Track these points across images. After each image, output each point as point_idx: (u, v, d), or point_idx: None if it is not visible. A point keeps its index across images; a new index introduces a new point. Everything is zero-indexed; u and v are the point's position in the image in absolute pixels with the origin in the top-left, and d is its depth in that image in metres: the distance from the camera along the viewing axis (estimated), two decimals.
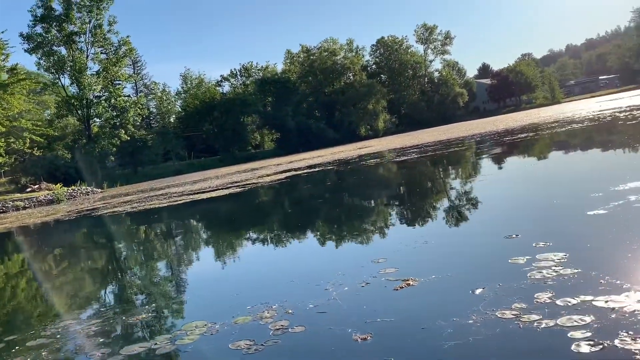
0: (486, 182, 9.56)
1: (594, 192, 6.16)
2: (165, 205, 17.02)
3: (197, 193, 19.90)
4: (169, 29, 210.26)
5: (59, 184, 46.05)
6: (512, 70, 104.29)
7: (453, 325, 2.97)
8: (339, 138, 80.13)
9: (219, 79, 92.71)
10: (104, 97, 63.16)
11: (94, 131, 62.81)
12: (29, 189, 45.17)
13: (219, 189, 19.76)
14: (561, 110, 47.48)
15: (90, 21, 61.67)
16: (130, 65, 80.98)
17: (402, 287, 3.84)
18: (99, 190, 46.94)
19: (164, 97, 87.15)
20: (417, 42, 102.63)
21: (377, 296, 3.79)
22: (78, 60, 60.34)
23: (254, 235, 8.50)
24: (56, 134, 57.37)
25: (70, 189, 44.31)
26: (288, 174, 22.61)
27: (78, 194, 43.44)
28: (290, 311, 3.73)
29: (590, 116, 25.55)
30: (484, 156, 15.76)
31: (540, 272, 3.64)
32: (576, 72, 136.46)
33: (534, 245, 4.34)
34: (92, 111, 62.29)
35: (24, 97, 42.51)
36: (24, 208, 36.28)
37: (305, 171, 22.65)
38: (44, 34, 59.45)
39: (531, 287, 3.37)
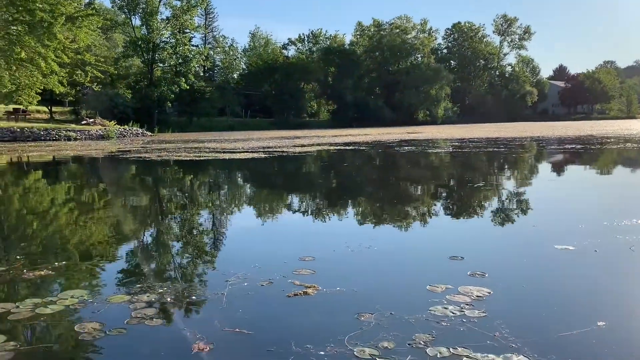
0: (482, 191, 8.91)
1: (581, 223, 5.53)
2: (187, 159, 17.06)
3: (226, 152, 19.87)
4: None
5: (112, 122, 47.40)
6: (589, 77, 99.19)
7: (298, 355, 2.58)
8: (396, 119, 78.82)
9: (286, 41, 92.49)
10: (170, 44, 64.09)
11: (156, 75, 64.01)
12: (84, 122, 46.75)
13: (247, 152, 19.64)
14: (629, 126, 44.77)
15: None
16: (202, 15, 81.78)
17: (297, 295, 3.46)
18: (149, 133, 48.01)
19: (231, 53, 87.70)
20: (494, 32, 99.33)
21: (264, 300, 3.43)
22: (150, 3, 61.29)
23: (211, 206, 8.21)
24: (117, 72, 58.75)
25: (122, 127, 45.54)
26: (320, 147, 22.26)
27: (128, 134, 44.61)
28: (169, 299, 3.44)
29: None
30: (508, 162, 14.88)
31: (446, 308, 3.18)
32: None
33: (468, 273, 3.85)
34: (156, 55, 63.42)
35: (91, 32, 43.49)
36: (75, 139, 37.59)
37: (337, 148, 22.22)
38: None
39: (421, 324, 2.93)
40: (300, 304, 3.32)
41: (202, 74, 76.73)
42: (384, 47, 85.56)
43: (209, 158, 17.26)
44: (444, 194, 9.10)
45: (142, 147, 25.50)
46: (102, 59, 49.51)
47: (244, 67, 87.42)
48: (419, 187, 10.28)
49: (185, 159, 17.17)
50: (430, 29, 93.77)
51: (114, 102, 56.58)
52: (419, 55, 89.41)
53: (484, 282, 3.66)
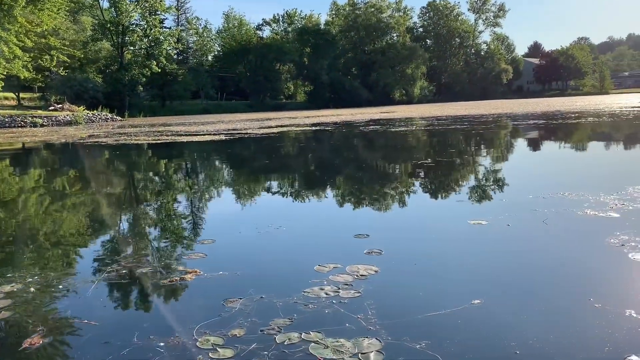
0: (419, 167, 8.75)
1: (506, 197, 5.40)
2: (142, 142, 16.67)
3: (188, 135, 19.47)
4: None
5: (82, 107, 46.40)
6: (563, 53, 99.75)
7: (136, 347, 2.37)
8: (372, 99, 78.53)
9: (261, 22, 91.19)
10: (140, 26, 62.76)
11: (127, 59, 62.66)
12: (52, 108, 45.64)
13: (209, 134, 19.29)
14: (599, 101, 45.16)
15: None
16: None
17: (172, 282, 3.24)
18: (119, 118, 47.13)
19: (205, 34, 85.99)
20: (469, 10, 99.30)
21: (133, 289, 3.21)
22: None
23: (127, 190, 7.95)
24: (86, 56, 57.44)
25: (90, 113, 44.59)
26: (286, 129, 21.97)
27: (97, 119, 43.76)
28: (32, 289, 3.19)
29: (617, 111, 23.97)
30: (462, 138, 14.77)
31: (322, 289, 2.99)
32: (633, 63, 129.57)
33: (365, 251, 3.66)
34: (126, 38, 62.01)
35: (54, 14, 42.21)
36: (42, 125, 36.74)
37: (303, 129, 21.96)
38: None
39: (287, 307, 2.73)
40: (170, 292, 3.10)
41: (175, 57, 75.39)
42: (359, 26, 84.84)
43: (167, 141, 16.87)
44: (379, 171, 8.90)
45: (105, 132, 24.93)
46: (68, 43, 48.26)
47: (218, 49, 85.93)
48: (359, 165, 10.08)
49: (140, 143, 16.77)
50: (406, 7, 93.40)
51: (84, 87, 55.14)
52: (394, 35, 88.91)
53: (377, 259, 3.48)
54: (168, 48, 65.99)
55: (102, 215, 5.80)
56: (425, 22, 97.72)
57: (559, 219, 4.43)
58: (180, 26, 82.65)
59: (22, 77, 42.34)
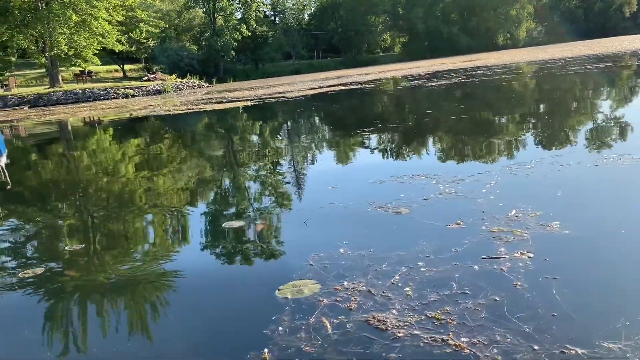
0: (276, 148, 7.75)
1: (336, 184, 4.50)
2: (163, 113, 16.85)
3: (222, 102, 19.44)
4: None
5: (173, 76, 48.50)
6: None
7: None
8: (473, 46, 73.54)
9: None
10: None
11: (218, 24, 64.09)
12: (145, 78, 48.15)
13: (242, 100, 19.09)
14: None
15: None
16: None
17: None
18: (206, 85, 48.59)
19: None
20: None
21: None
22: None
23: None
24: (181, 25, 59.66)
25: (179, 81, 46.43)
26: (331, 89, 21.15)
27: (184, 87, 45.41)
28: None
29: None
30: (469, 91, 13.11)
31: None
32: None
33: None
34: (217, 4, 63.29)
35: None
36: (133, 96, 38.91)
37: (348, 87, 21.00)
38: None
39: None
40: None
41: (272, 18, 75.92)
42: None
43: (190, 111, 16.90)
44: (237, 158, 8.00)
45: (171, 102, 25.68)
46: (161, 14, 50.16)
47: (315, 5, 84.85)
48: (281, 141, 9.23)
49: (161, 114, 16.97)
50: None
51: (179, 56, 57.44)
52: None
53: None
54: (258, 11, 66.51)
55: None
56: None
57: (333, 217, 3.56)
58: None
59: (117, 50, 44.86)
